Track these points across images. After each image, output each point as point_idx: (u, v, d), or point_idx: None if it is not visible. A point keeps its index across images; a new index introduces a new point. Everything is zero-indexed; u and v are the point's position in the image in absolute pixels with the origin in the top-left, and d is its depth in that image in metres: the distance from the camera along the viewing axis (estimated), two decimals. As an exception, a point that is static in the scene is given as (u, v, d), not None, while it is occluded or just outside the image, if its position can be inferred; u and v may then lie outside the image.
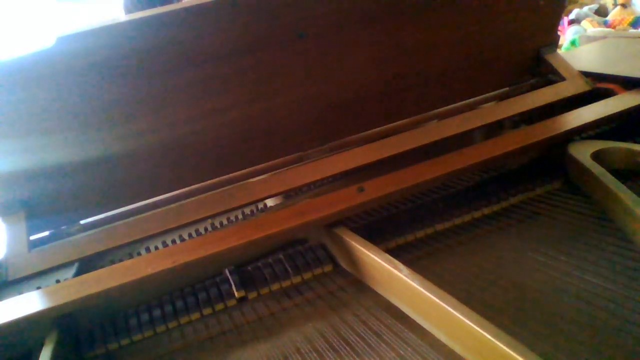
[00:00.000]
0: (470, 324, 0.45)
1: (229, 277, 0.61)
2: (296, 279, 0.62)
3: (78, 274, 0.64)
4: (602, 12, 2.49)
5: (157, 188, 0.74)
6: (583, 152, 0.70)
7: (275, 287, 0.61)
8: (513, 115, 0.83)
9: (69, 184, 0.68)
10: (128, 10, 1.89)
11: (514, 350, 0.41)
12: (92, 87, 0.64)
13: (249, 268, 0.63)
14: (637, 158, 0.69)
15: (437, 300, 0.48)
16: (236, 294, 0.60)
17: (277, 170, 0.78)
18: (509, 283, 0.56)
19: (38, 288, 0.60)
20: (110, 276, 0.57)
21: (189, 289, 0.61)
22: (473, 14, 0.84)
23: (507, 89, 0.95)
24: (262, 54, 0.71)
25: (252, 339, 0.55)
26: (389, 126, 0.86)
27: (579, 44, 2.04)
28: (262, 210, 0.79)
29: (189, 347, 0.56)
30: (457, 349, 0.48)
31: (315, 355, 0.51)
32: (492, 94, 0.94)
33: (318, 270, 0.63)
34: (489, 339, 0.43)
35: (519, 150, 0.72)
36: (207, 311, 0.59)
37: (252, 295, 0.61)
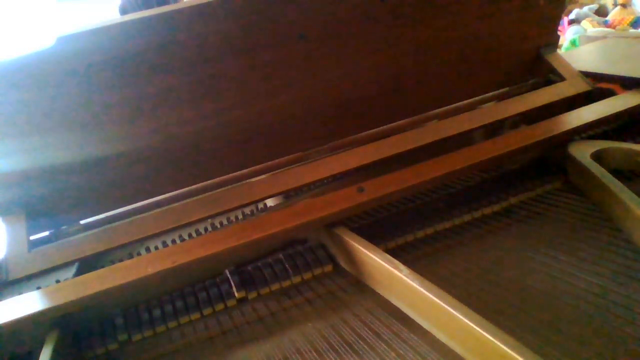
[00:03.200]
0: (470, 324, 0.45)
1: (230, 277, 0.61)
2: (296, 279, 0.62)
3: (78, 274, 0.64)
4: (602, 12, 2.50)
5: (157, 188, 0.74)
6: (583, 152, 0.70)
7: (275, 287, 0.61)
8: (513, 115, 0.83)
9: (68, 184, 0.68)
10: (124, 11, 1.89)
11: (514, 350, 0.41)
12: (92, 87, 0.64)
13: (249, 268, 0.63)
14: (637, 158, 0.69)
15: (437, 300, 0.48)
16: (236, 294, 0.60)
17: (277, 170, 0.78)
18: (509, 283, 0.56)
19: (38, 288, 0.60)
20: (110, 276, 0.57)
21: (189, 289, 0.61)
22: (473, 14, 0.84)
23: (507, 89, 0.95)
24: (262, 54, 0.71)
25: (252, 339, 0.55)
26: (389, 126, 0.86)
27: (579, 44, 2.04)
28: (262, 210, 0.79)
29: (189, 347, 0.56)
30: (457, 349, 0.48)
31: (315, 355, 0.51)
32: (492, 94, 0.94)
33: (318, 270, 0.63)
34: (489, 339, 0.43)
35: (519, 150, 0.72)
36: (207, 311, 0.59)
37: (252, 295, 0.61)
